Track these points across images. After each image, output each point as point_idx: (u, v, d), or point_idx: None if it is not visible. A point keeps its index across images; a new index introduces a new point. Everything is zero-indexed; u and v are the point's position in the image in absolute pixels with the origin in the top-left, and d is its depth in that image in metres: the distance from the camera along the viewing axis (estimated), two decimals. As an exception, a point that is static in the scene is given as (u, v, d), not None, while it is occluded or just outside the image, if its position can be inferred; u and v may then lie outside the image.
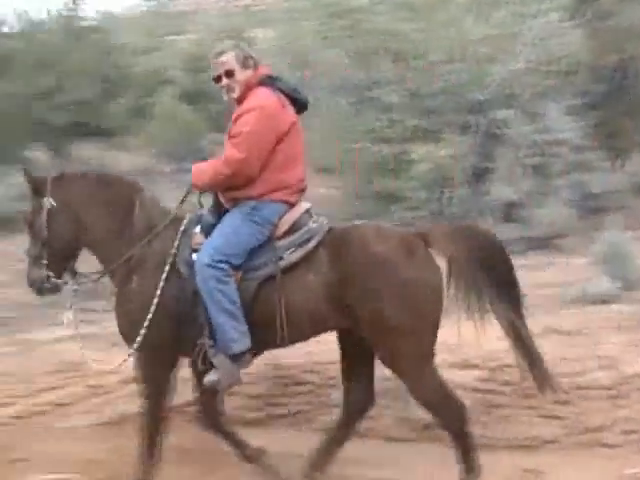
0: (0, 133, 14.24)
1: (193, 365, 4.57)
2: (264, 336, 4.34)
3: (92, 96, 14.12)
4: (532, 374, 4.44)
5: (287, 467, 4.72)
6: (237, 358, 4.27)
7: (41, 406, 5.22)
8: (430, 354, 4.37)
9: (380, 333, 4.27)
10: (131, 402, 5.15)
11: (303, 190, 4.59)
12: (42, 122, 14.31)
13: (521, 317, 4.40)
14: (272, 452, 4.79)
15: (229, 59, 4.50)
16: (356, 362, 4.64)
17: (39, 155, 13.70)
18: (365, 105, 10.62)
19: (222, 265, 4.25)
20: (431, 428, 5.13)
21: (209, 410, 4.84)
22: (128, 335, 4.42)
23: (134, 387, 5.31)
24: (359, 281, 4.25)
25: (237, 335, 4.24)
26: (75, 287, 4.64)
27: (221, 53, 4.55)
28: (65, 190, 4.55)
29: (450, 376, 5.30)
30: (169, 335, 4.38)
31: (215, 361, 4.29)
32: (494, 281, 4.34)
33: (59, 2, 16.42)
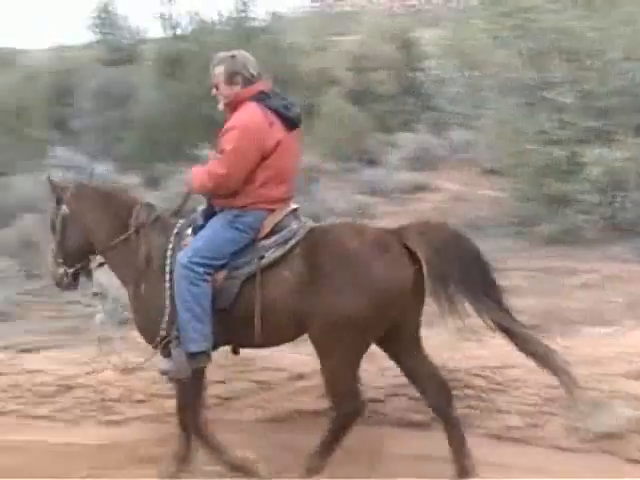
0: (173, 131, 14.75)
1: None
2: (244, 333, 4.51)
3: (260, 96, 14.36)
4: (545, 368, 4.37)
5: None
6: (193, 357, 4.51)
7: (209, 399, 5.33)
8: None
9: (335, 324, 4.34)
10: (296, 399, 5.21)
11: (288, 199, 4.67)
12: (211, 121, 14.72)
13: (508, 314, 4.36)
14: (435, 456, 4.73)
15: (217, 73, 4.55)
16: (408, 363, 4.64)
17: (208, 153, 14.11)
18: (536, 106, 10.41)
19: (198, 268, 4.42)
20: (602, 439, 4.96)
21: None
22: (146, 334, 4.78)
23: (300, 384, 5.37)
24: (327, 273, 4.35)
25: (197, 336, 4.45)
26: (94, 290, 5.36)
27: (214, 65, 4.59)
28: (78, 200, 4.95)
29: (623, 387, 5.11)
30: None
31: (173, 352, 4.54)
32: (468, 280, 4.38)
33: (230, 4, 16.82)
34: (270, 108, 4.51)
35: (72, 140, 16.52)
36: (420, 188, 13.26)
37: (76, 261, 5.01)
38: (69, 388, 5.77)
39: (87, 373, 5.87)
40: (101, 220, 4.90)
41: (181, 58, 15.86)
